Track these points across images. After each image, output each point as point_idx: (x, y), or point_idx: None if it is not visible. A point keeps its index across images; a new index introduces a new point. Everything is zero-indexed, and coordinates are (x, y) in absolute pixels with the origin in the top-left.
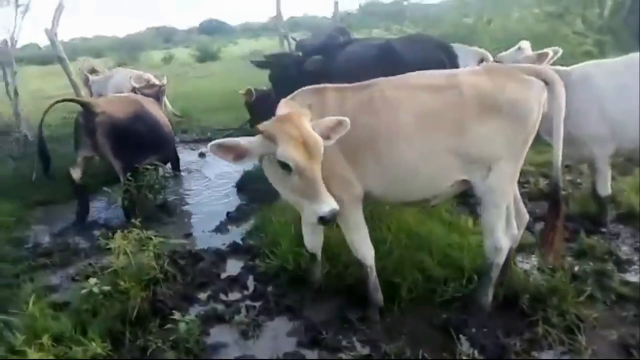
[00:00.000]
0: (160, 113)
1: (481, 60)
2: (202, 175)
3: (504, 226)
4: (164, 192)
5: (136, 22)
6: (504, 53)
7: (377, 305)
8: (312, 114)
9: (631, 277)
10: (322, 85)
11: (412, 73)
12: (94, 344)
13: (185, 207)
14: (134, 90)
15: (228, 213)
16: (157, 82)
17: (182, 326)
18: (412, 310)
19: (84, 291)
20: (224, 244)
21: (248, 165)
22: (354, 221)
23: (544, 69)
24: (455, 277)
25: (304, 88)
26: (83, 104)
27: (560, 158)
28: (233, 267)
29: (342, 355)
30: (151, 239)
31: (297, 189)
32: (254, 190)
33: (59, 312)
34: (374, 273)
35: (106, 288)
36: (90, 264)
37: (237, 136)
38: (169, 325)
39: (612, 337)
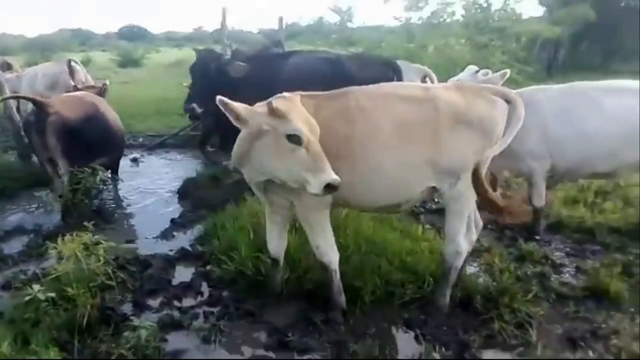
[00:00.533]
0: (114, 114)
1: (424, 77)
2: (136, 182)
3: (465, 231)
4: (101, 196)
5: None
6: (460, 75)
7: (340, 307)
8: None
9: (567, 279)
10: (295, 92)
11: (384, 83)
12: (51, 352)
13: (123, 213)
14: (75, 88)
15: (173, 219)
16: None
17: (143, 333)
18: (374, 311)
19: (26, 298)
20: (171, 250)
21: (189, 172)
22: (320, 225)
23: (508, 90)
24: (411, 280)
25: (277, 95)
26: (36, 103)
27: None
28: (183, 273)
29: (311, 357)
30: (100, 243)
31: (303, 162)
32: (197, 197)
33: None
34: (338, 276)
35: (51, 295)
36: (21, 271)
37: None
38: (125, 333)
39: (558, 331)
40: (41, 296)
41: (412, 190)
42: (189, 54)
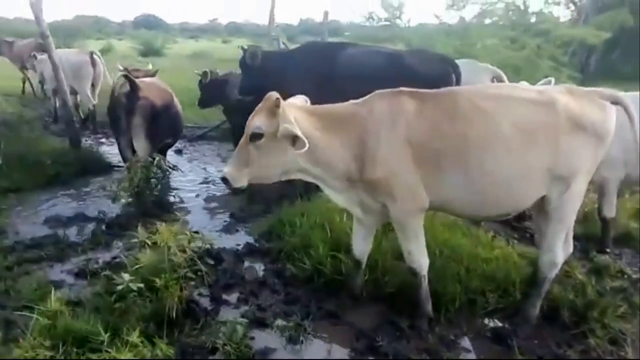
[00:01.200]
0: (176, 99)
1: (493, 78)
2: (185, 174)
3: (563, 242)
4: (160, 187)
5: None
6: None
7: (427, 315)
8: (386, 118)
9: None
10: (396, 89)
11: (492, 84)
12: (162, 347)
13: (181, 205)
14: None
15: (233, 213)
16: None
17: (240, 329)
18: (458, 320)
19: (119, 287)
20: (238, 245)
21: None
22: (414, 231)
23: (615, 92)
24: (490, 289)
25: (378, 91)
26: (132, 85)
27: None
28: (253, 269)
29: None
30: (187, 234)
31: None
32: (251, 191)
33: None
34: (426, 283)
35: (140, 285)
36: (90, 259)
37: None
38: (214, 327)
39: None
40: (133, 286)
41: (526, 200)
42: (204, 46)
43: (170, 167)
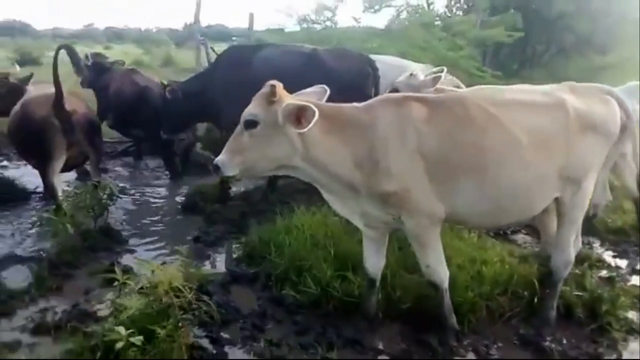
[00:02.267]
0: None
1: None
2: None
3: (573, 240)
4: (107, 214)
5: None
6: (400, 79)
7: (453, 328)
8: (394, 127)
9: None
10: (401, 94)
11: (498, 88)
12: None
13: (130, 231)
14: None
15: (197, 237)
16: None
17: None
18: (482, 329)
19: (118, 345)
20: (216, 273)
21: (168, 182)
22: (431, 243)
23: (612, 90)
24: (498, 292)
25: (382, 97)
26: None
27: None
28: (245, 299)
29: None
30: (182, 271)
31: None
32: (211, 210)
33: None
34: (448, 295)
35: (139, 338)
36: (46, 309)
37: None
38: None
39: None
40: (135, 340)
41: (541, 205)
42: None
43: (117, 192)
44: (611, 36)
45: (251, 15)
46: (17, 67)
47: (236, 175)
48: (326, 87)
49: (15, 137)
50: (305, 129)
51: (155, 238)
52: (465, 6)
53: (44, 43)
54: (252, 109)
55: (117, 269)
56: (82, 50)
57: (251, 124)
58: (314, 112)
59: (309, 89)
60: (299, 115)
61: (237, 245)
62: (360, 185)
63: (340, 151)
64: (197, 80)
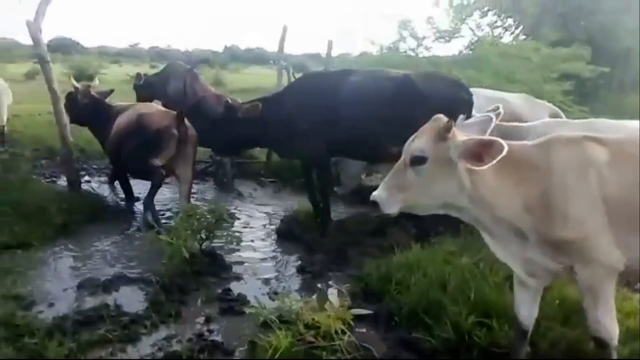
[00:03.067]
0: None
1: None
2: None
3: None
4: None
5: None
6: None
7: None
8: (573, 169)
9: None
10: (574, 134)
11: None
12: None
13: (230, 257)
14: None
15: (303, 267)
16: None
17: None
18: None
19: None
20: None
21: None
22: (605, 296)
23: None
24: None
25: (556, 136)
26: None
27: None
28: (370, 338)
29: None
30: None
31: None
32: (310, 239)
33: None
34: (616, 354)
35: None
36: (170, 338)
37: None
38: None
39: None
40: None
41: None
42: (136, 72)
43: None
44: None
45: (330, 42)
46: (97, 81)
47: (393, 214)
48: (492, 116)
49: (128, 143)
50: (486, 166)
51: (255, 264)
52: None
53: (91, 60)
54: (421, 145)
55: (257, 302)
56: (128, 68)
57: (419, 161)
58: (502, 147)
59: (472, 120)
60: (481, 151)
61: (342, 277)
62: (528, 230)
63: (510, 192)
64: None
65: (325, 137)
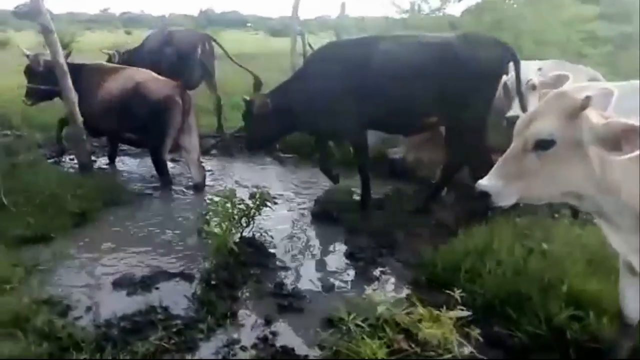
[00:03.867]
0: None
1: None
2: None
3: None
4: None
5: None
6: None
7: None
8: None
9: None
10: None
11: None
12: None
13: (267, 245)
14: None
15: (352, 253)
16: None
17: None
18: None
19: None
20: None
21: (274, 181)
22: None
23: None
24: None
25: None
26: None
27: None
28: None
29: None
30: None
31: None
32: (349, 220)
33: None
34: None
35: None
36: (231, 343)
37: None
38: None
39: None
40: None
41: None
42: (112, 38)
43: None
44: None
45: (343, 5)
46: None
47: (507, 206)
48: (612, 89)
49: (130, 115)
50: (627, 156)
51: (300, 251)
52: None
53: (66, 28)
54: (550, 127)
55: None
56: (103, 35)
57: (545, 144)
58: None
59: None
60: (620, 138)
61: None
62: None
63: None
64: (289, 89)
65: (359, 112)
